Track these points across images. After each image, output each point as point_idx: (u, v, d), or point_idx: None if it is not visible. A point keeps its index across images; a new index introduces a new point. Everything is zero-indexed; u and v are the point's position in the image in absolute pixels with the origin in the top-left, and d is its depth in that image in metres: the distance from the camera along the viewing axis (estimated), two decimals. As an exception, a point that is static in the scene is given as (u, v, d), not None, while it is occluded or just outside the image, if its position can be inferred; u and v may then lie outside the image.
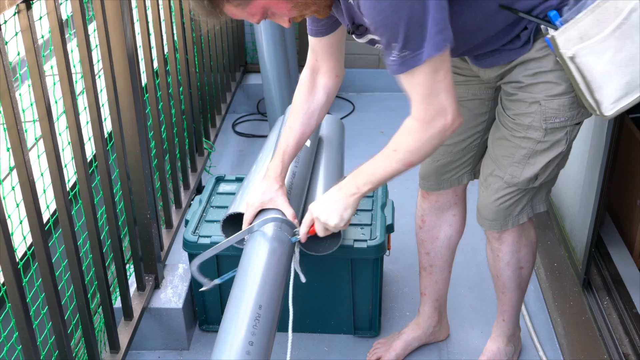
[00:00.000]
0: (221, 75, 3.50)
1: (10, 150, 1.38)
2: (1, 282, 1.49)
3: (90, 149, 1.78)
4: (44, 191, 1.74)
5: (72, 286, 1.72)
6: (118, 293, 2.01)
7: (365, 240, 2.09)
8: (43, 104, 1.46)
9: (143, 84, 2.23)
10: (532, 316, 2.37)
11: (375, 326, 2.28)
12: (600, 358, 2.13)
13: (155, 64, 2.35)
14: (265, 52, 3.42)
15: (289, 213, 1.75)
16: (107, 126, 1.86)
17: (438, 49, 1.34)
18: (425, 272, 2.14)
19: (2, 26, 1.28)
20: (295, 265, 1.81)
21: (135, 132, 1.99)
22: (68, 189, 1.65)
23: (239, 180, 2.42)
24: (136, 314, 2.06)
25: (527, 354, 2.21)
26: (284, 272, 1.64)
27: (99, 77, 1.81)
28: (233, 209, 1.95)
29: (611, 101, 1.53)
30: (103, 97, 1.85)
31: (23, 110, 1.56)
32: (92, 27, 1.73)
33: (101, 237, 1.82)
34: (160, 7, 2.40)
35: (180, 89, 2.67)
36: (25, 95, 1.59)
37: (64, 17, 1.56)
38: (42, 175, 1.72)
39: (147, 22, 2.22)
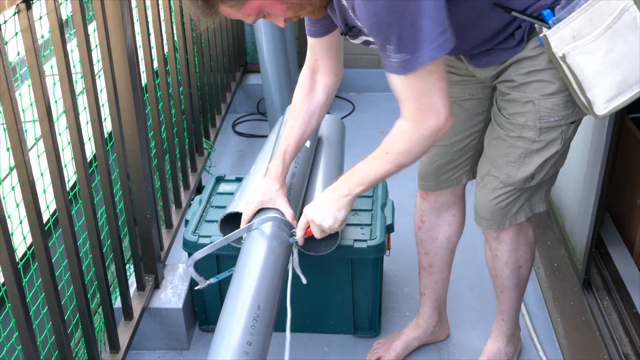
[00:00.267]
0: (221, 75, 3.50)
1: (10, 150, 1.38)
2: (1, 282, 1.49)
3: (90, 149, 1.78)
4: (44, 191, 1.74)
5: (72, 286, 1.72)
6: (118, 293, 2.01)
7: (365, 240, 2.09)
8: (43, 104, 1.46)
9: (143, 84, 2.23)
10: (532, 316, 2.36)
11: (375, 326, 2.28)
12: (600, 358, 2.13)
13: (155, 64, 2.35)
14: (265, 52, 3.42)
15: (288, 214, 1.75)
16: (107, 126, 1.86)
17: (440, 50, 1.34)
18: (424, 272, 2.14)
19: (2, 26, 1.28)
20: (295, 267, 1.81)
21: (135, 132, 1.99)
22: (68, 189, 1.65)
23: (239, 180, 2.42)
24: (136, 314, 2.06)
25: (527, 354, 2.21)
26: (281, 271, 1.64)
27: (99, 77, 1.81)
28: (231, 209, 1.95)
29: (604, 101, 1.53)
30: (103, 97, 1.85)
31: (23, 110, 1.56)
32: (92, 27, 1.73)
33: (101, 237, 1.82)
34: (160, 7, 2.40)
35: (180, 89, 2.67)
36: (25, 95, 1.58)
37: (64, 17, 1.56)
38: (42, 175, 1.72)
39: (147, 22, 2.22)
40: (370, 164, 1.57)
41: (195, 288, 1.84)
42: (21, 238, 1.69)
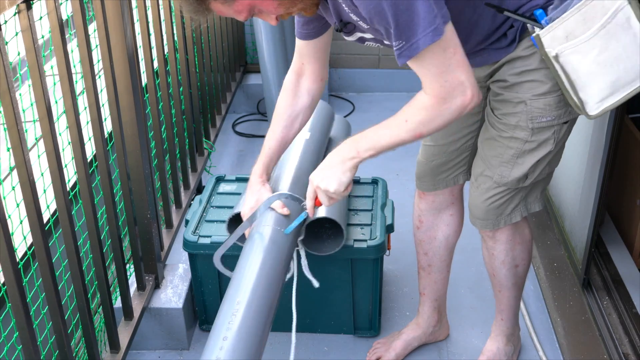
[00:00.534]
0: (221, 75, 3.51)
1: (11, 150, 1.38)
2: (1, 282, 1.50)
3: (90, 149, 1.78)
4: (44, 191, 1.74)
5: (72, 286, 1.72)
6: (118, 293, 2.01)
7: (365, 240, 2.09)
8: (43, 104, 1.46)
9: (143, 84, 2.23)
10: (532, 316, 2.37)
11: (375, 326, 2.29)
12: (600, 358, 2.14)
13: (156, 64, 2.35)
14: (265, 52, 3.42)
15: (285, 212, 1.73)
16: (108, 126, 1.86)
17: (437, 34, 1.32)
18: (424, 272, 2.14)
19: (2, 26, 1.28)
20: (305, 271, 1.80)
21: (135, 132, 2.00)
22: (68, 189, 1.65)
23: (239, 180, 2.42)
24: (136, 313, 2.06)
25: (526, 354, 2.21)
26: (271, 267, 1.58)
27: (99, 77, 1.81)
28: (237, 209, 1.96)
29: (596, 101, 1.53)
30: (103, 97, 1.85)
31: (23, 110, 1.56)
32: (92, 27, 1.74)
33: (101, 237, 1.82)
34: (161, 7, 2.41)
35: (181, 89, 2.67)
36: (25, 95, 1.59)
37: (64, 17, 1.56)
38: (42, 175, 1.73)
39: (147, 22, 2.22)
40: (386, 130, 1.49)
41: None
42: (21, 238, 1.69)
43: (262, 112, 3.97)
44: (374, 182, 2.41)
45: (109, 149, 1.89)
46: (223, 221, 2.16)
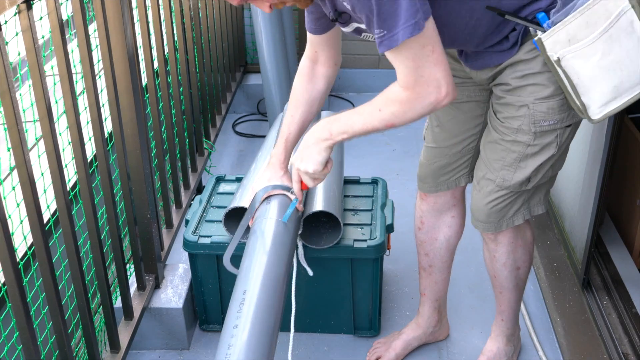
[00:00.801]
0: (221, 76, 3.51)
1: (11, 150, 1.38)
2: (2, 282, 1.50)
3: (90, 149, 1.78)
4: (45, 191, 1.75)
5: (72, 286, 1.72)
6: (118, 293, 2.02)
7: (365, 240, 2.10)
8: (43, 104, 1.46)
9: (143, 84, 2.23)
10: (532, 316, 2.37)
11: (375, 326, 2.29)
12: (599, 358, 2.14)
13: (156, 64, 2.35)
14: (265, 52, 3.42)
15: (292, 195, 1.75)
16: (108, 126, 1.86)
17: (417, 28, 1.32)
18: (424, 273, 2.14)
19: (2, 26, 1.28)
20: (300, 259, 1.81)
21: (135, 132, 2.00)
22: (68, 188, 1.65)
23: (239, 180, 2.43)
24: (136, 313, 2.06)
25: (526, 354, 2.21)
26: (276, 257, 1.59)
27: (100, 77, 1.81)
28: (235, 204, 1.97)
29: (598, 105, 1.53)
30: (103, 97, 1.85)
31: (23, 110, 1.57)
32: (92, 27, 1.74)
33: (101, 237, 1.82)
34: (161, 7, 2.41)
35: (181, 89, 2.67)
36: (25, 95, 1.59)
37: (64, 17, 1.56)
38: (42, 175, 1.73)
39: (148, 22, 2.23)
40: (359, 116, 1.53)
41: None
42: (22, 238, 1.69)
43: (262, 112, 3.97)
44: (374, 182, 2.41)
45: (109, 149, 1.89)
46: (222, 221, 2.16)
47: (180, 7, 2.64)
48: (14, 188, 1.61)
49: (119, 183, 1.98)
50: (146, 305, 2.15)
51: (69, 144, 1.67)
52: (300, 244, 1.86)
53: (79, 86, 1.70)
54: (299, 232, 1.86)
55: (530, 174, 1.70)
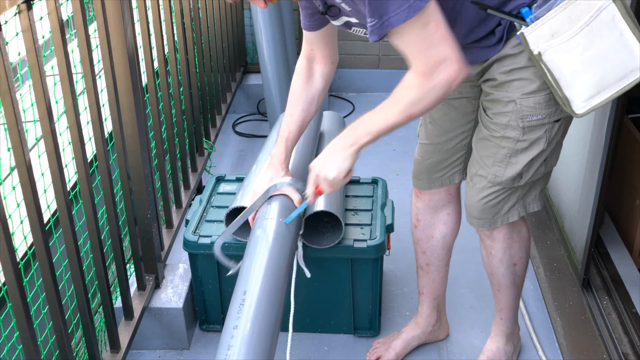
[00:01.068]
0: (221, 76, 3.51)
1: (11, 150, 1.38)
2: (2, 282, 1.50)
3: (90, 149, 1.78)
4: (45, 191, 1.75)
5: (72, 286, 1.72)
6: (118, 293, 2.02)
7: (365, 240, 2.10)
8: (44, 104, 1.46)
9: (143, 84, 2.23)
10: (532, 316, 2.37)
11: (375, 326, 2.29)
12: (599, 358, 2.14)
13: (156, 64, 2.35)
14: (265, 52, 3.42)
15: (296, 198, 1.75)
16: (108, 126, 1.86)
17: (413, 10, 1.32)
18: (422, 271, 2.14)
19: (2, 26, 1.28)
20: (299, 260, 1.81)
21: (135, 132, 2.00)
22: (68, 188, 1.65)
23: (239, 180, 2.43)
24: (136, 313, 2.06)
25: (526, 354, 2.21)
26: (276, 258, 1.59)
27: (100, 77, 1.81)
28: (237, 203, 1.97)
29: (582, 100, 1.53)
30: (103, 97, 1.85)
31: (24, 110, 1.57)
32: (92, 28, 1.74)
33: (102, 237, 1.83)
34: (161, 7, 2.41)
35: (181, 89, 2.67)
36: (26, 95, 1.59)
37: (64, 18, 1.56)
38: (42, 175, 1.73)
39: (148, 23, 2.23)
40: (379, 115, 1.51)
41: (227, 274, 1.78)
42: (22, 238, 1.70)
43: (262, 112, 3.97)
44: (374, 182, 2.41)
45: (109, 149, 1.89)
46: (223, 221, 2.17)
47: (180, 7, 2.64)
48: (14, 188, 1.61)
49: (119, 183, 1.98)
50: (146, 305, 2.15)
51: (69, 144, 1.67)
52: (300, 244, 1.86)
53: (79, 86, 1.70)
54: (301, 232, 1.87)
55: (521, 170, 1.70)
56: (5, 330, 1.61)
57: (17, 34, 1.47)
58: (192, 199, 2.65)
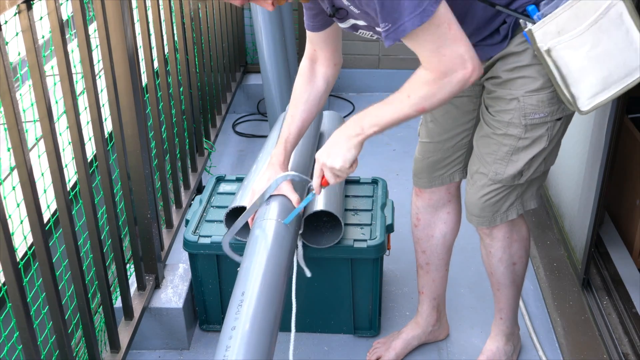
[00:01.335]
0: (221, 76, 3.51)
1: (11, 150, 1.38)
2: (2, 282, 1.50)
3: (90, 149, 1.78)
4: (45, 191, 1.75)
5: (72, 286, 1.72)
6: (118, 293, 2.02)
7: (365, 240, 2.10)
8: (44, 104, 1.46)
9: (143, 84, 2.23)
10: (532, 316, 2.37)
11: (375, 326, 2.29)
12: (599, 358, 2.14)
13: (156, 64, 2.35)
14: (265, 52, 3.42)
15: (294, 199, 1.75)
16: (108, 126, 1.87)
17: (426, 15, 1.32)
18: (422, 271, 2.14)
19: (2, 26, 1.28)
20: (299, 260, 1.81)
21: (135, 132, 2.00)
22: (68, 188, 1.65)
23: (239, 180, 2.43)
24: (136, 313, 2.06)
25: (526, 354, 2.21)
26: (275, 259, 1.59)
27: (100, 77, 1.81)
28: (236, 203, 1.97)
29: (587, 97, 1.54)
30: (103, 97, 1.85)
31: (24, 110, 1.57)
32: (92, 28, 1.74)
33: (101, 237, 1.83)
34: (161, 7, 2.41)
35: (181, 89, 2.67)
36: (25, 95, 1.59)
37: (64, 18, 1.56)
38: (42, 175, 1.73)
39: (148, 23, 2.23)
40: (389, 106, 1.51)
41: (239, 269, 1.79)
42: (22, 238, 1.70)
43: (262, 112, 3.97)
44: (374, 182, 2.41)
45: (109, 149, 1.89)
46: (223, 221, 2.17)
47: (180, 7, 2.64)
48: (14, 188, 1.61)
49: (119, 183, 1.98)
50: (146, 305, 2.15)
51: (69, 144, 1.67)
52: (299, 244, 1.86)
53: (79, 86, 1.70)
54: (300, 231, 1.87)
55: (522, 168, 1.71)
56: (5, 330, 1.61)
57: (17, 34, 1.47)
58: (192, 199, 2.65)
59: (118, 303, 2.02)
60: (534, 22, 1.52)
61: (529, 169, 1.72)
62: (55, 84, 1.72)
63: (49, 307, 1.58)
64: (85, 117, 1.73)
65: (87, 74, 1.69)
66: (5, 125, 1.35)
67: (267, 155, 2.14)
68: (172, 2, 2.53)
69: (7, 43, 1.33)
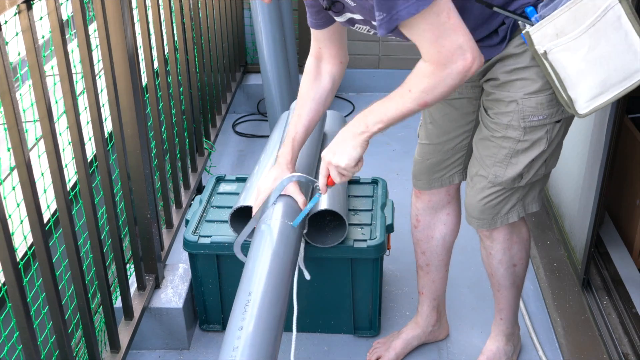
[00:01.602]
0: (221, 76, 3.51)
1: (11, 150, 1.38)
2: (2, 282, 1.50)
3: (90, 149, 1.78)
4: (45, 191, 1.75)
5: (72, 286, 1.72)
6: (118, 293, 2.02)
7: (365, 240, 2.10)
8: (44, 104, 1.46)
9: (143, 84, 2.23)
10: (532, 316, 2.37)
11: (375, 326, 2.29)
12: (599, 358, 2.14)
13: (156, 64, 2.35)
14: (265, 52, 3.42)
15: (300, 200, 1.75)
16: (108, 126, 1.86)
17: (423, 4, 1.31)
18: (422, 272, 2.14)
19: (2, 26, 1.28)
20: (300, 262, 1.81)
21: (135, 132, 2.00)
22: (68, 188, 1.65)
23: (239, 180, 2.43)
24: (136, 313, 2.06)
25: (526, 354, 2.21)
26: (281, 260, 1.60)
27: (100, 77, 1.81)
28: (241, 203, 1.97)
29: (585, 99, 1.53)
30: (103, 97, 1.85)
31: (24, 110, 1.57)
32: (92, 27, 1.74)
33: (101, 237, 1.83)
34: (161, 7, 2.41)
35: (181, 89, 2.67)
36: (25, 95, 1.59)
37: (64, 17, 1.56)
38: (42, 175, 1.73)
39: (148, 23, 2.23)
40: (391, 102, 1.50)
41: None
42: (22, 238, 1.70)
43: (262, 112, 3.97)
44: (374, 182, 2.41)
45: (109, 149, 1.89)
46: (223, 221, 2.17)
47: (180, 7, 2.64)
48: (14, 188, 1.61)
49: (119, 183, 1.98)
50: (146, 305, 2.15)
51: (69, 144, 1.67)
52: (302, 244, 1.86)
53: (79, 86, 1.70)
54: (304, 231, 1.87)
55: (522, 170, 1.70)
56: (5, 330, 1.61)
57: (17, 34, 1.47)
58: (192, 199, 2.65)
59: (118, 303, 2.02)
60: (532, 24, 1.51)
61: (529, 172, 1.71)
62: (55, 84, 1.72)
63: (49, 307, 1.58)
64: (85, 117, 1.73)
65: (87, 74, 1.69)
66: (5, 125, 1.35)
67: (270, 156, 2.14)
68: (172, 2, 2.53)
69: (7, 43, 1.33)
